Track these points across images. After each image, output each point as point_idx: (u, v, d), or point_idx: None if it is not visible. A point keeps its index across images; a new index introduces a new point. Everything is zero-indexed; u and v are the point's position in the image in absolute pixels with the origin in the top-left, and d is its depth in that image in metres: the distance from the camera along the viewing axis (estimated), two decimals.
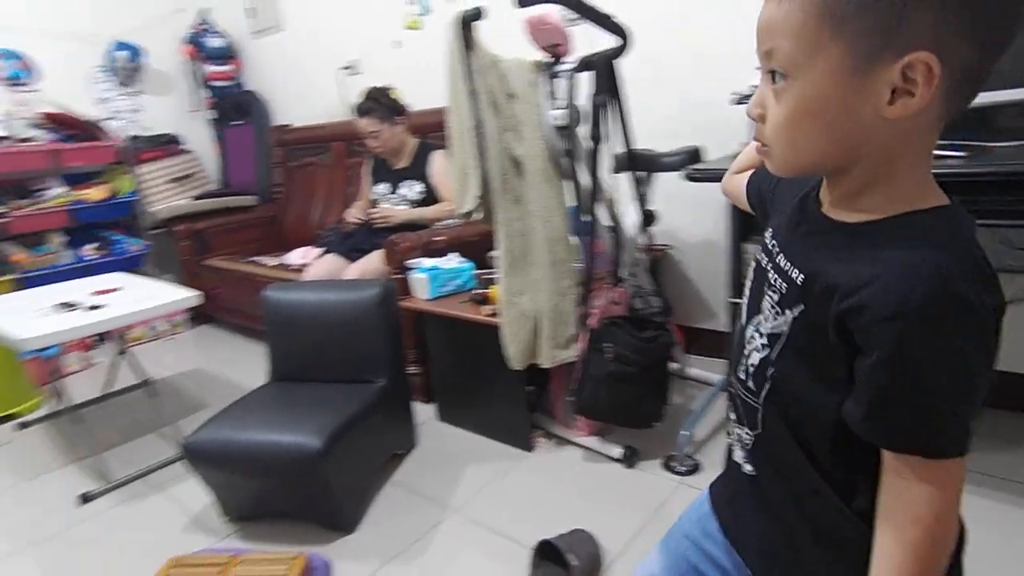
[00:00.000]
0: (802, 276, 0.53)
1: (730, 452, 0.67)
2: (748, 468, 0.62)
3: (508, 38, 1.55)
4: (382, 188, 2.43)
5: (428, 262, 1.95)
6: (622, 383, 1.53)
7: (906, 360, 0.46)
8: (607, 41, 1.49)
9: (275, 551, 1.46)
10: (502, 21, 1.55)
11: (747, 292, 0.63)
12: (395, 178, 2.40)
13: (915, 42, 0.43)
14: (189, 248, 3.20)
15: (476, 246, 2.04)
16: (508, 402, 1.83)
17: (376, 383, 1.75)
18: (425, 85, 2.61)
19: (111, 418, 2.30)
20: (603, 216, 1.64)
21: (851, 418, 0.50)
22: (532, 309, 1.62)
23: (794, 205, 0.60)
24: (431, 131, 2.47)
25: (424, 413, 2.08)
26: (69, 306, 1.94)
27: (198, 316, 3.33)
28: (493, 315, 1.71)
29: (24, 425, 2.31)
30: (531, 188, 1.57)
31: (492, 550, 1.45)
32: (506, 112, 1.53)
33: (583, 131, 1.55)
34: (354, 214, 2.49)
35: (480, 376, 1.89)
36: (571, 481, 1.68)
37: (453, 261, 1.97)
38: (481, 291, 1.84)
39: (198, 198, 3.37)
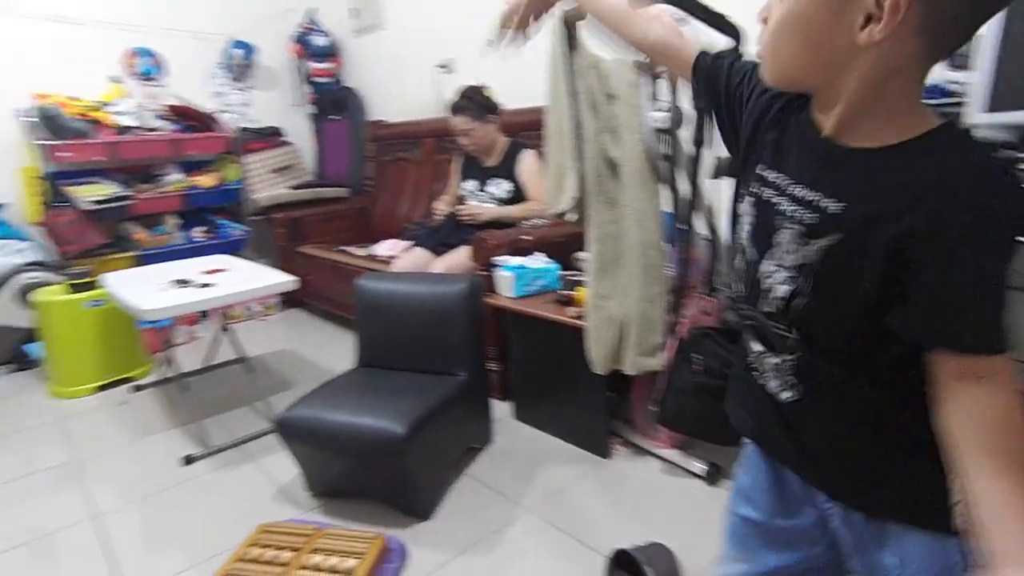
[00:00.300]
0: (838, 205, 0.55)
1: (750, 391, 0.69)
2: (787, 395, 0.64)
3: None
4: (470, 185, 2.50)
5: (514, 260, 1.99)
6: (709, 396, 1.48)
7: (969, 265, 0.49)
8: (719, 41, 1.46)
9: (354, 529, 1.55)
10: None
11: (748, 227, 0.65)
12: (484, 176, 2.46)
13: None
14: (285, 235, 3.43)
15: (563, 247, 2.06)
16: (587, 406, 1.83)
17: (458, 376, 1.80)
18: (519, 84, 2.66)
19: (211, 388, 2.51)
20: (700, 224, 1.61)
21: (910, 328, 0.53)
22: (619, 314, 1.61)
23: (785, 136, 0.62)
24: (522, 130, 2.52)
25: (500, 410, 2.12)
26: (183, 283, 2.14)
27: (289, 300, 3.56)
28: (578, 317, 1.72)
29: (138, 388, 2.57)
30: (626, 191, 1.57)
31: (565, 553, 1.47)
32: (605, 113, 1.54)
33: (685, 135, 1.53)
34: (440, 207, 2.58)
35: (560, 378, 1.90)
36: (649, 493, 1.66)
37: (539, 261, 2.00)
38: (566, 292, 1.86)
39: (295, 188, 3.60)
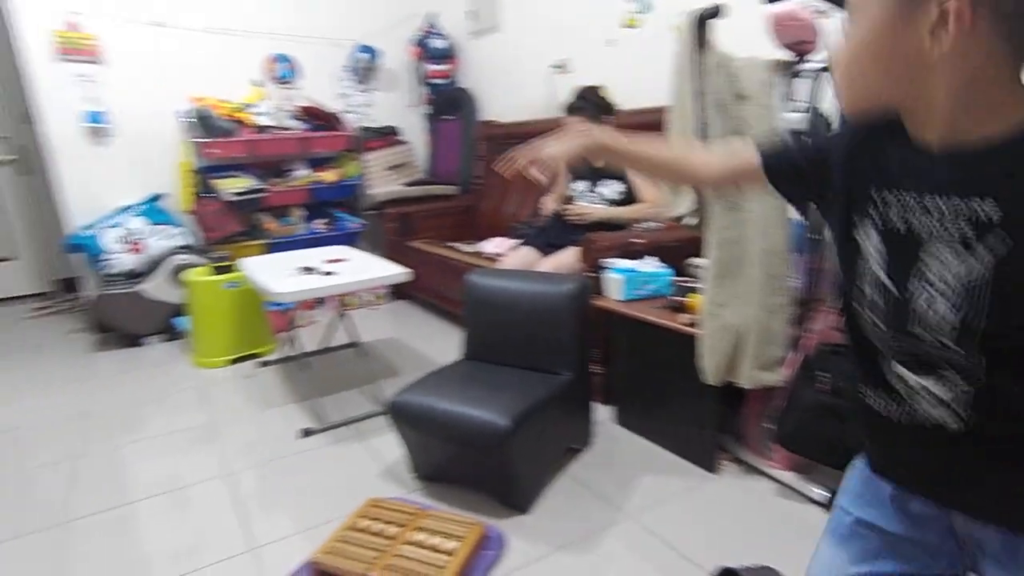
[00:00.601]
0: (997, 211, 0.52)
1: (900, 423, 0.65)
2: (955, 425, 0.60)
3: (738, 35, 1.53)
4: (580, 186, 2.52)
5: (624, 263, 1.99)
6: (834, 419, 1.42)
7: None
8: None
9: (455, 513, 1.63)
10: (738, 18, 1.52)
11: (878, 253, 0.61)
12: (595, 176, 2.47)
13: None
14: (395, 229, 3.64)
15: (676, 251, 2.03)
16: (694, 418, 1.80)
17: (561, 375, 1.84)
18: (636, 85, 2.66)
19: (327, 369, 2.72)
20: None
21: None
22: (737, 323, 1.57)
23: (888, 156, 0.60)
24: (638, 131, 2.50)
25: (601, 414, 2.13)
26: (309, 270, 2.34)
27: (397, 291, 3.78)
28: (690, 325, 1.69)
29: (264, 364, 2.84)
30: (751, 196, 1.52)
31: (664, 563, 1.45)
32: (733, 114, 1.51)
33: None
34: (549, 205, 2.62)
35: (666, 385, 1.88)
36: (760, 514, 1.60)
37: (650, 265, 1.99)
38: (678, 298, 1.83)
39: (408, 185, 3.81)
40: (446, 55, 3.89)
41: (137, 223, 3.22)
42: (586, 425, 1.98)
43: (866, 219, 0.62)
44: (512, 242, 2.87)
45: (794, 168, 0.73)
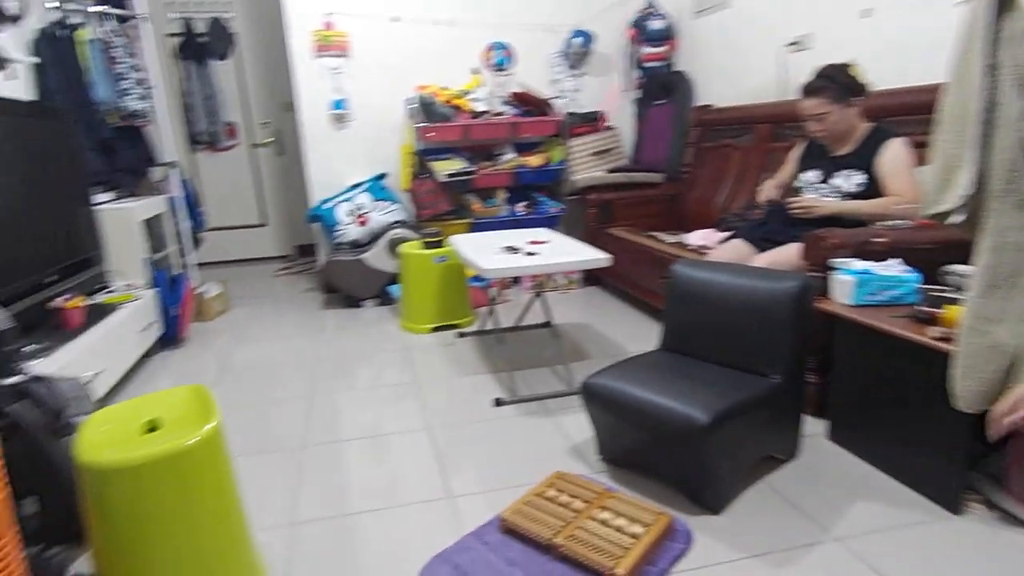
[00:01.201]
0: None
1: None
2: None
3: None
4: (812, 176, 2.34)
5: (859, 264, 1.82)
6: None
7: None
8: None
9: (641, 500, 1.65)
10: None
11: None
12: (831, 166, 2.27)
13: None
14: (595, 215, 3.72)
15: (928, 255, 1.80)
16: (936, 447, 1.59)
17: (770, 378, 1.75)
18: (896, 61, 2.39)
19: (520, 345, 2.91)
20: None
21: None
22: (1011, 344, 1.35)
23: None
24: (891, 115, 2.26)
25: (811, 426, 1.99)
26: (513, 250, 2.52)
27: (589, 277, 3.87)
28: (942, 339, 1.50)
29: (461, 335, 3.13)
30: None
31: None
32: None
33: None
34: (769, 193, 2.46)
35: (900, 405, 1.69)
36: (1013, 572, 1.37)
37: (893, 268, 1.79)
38: (928, 309, 1.63)
39: (611, 171, 3.87)
40: (664, 36, 3.85)
41: (363, 199, 3.73)
42: (792, 435, 1.86)
43: None
44: (720, 235, 2.77)
45: None
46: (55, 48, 2.95)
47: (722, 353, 1.87)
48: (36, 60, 2.80)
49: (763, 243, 2.37)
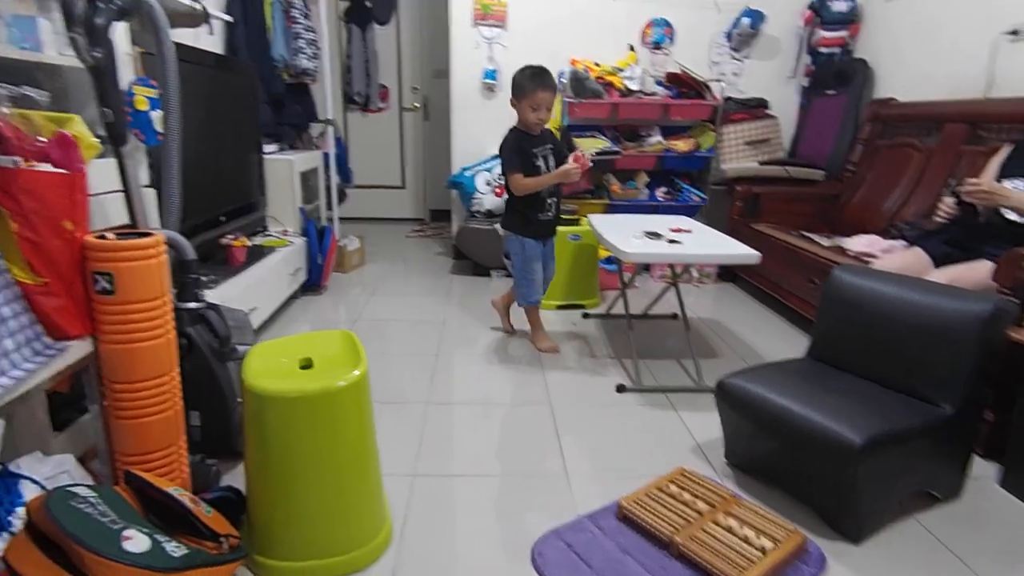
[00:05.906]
0: None
1: None
2: None
3: None
4: (1019, 185, 2.05)
5: None
6: None
7: None
8: None
9: (772, 513, 1.57)
10: None
11: None
12: None
13: None
14: (740, 209, 3.53)
15: None
16: None
17: (939, 407, 1.58)
18: None
19: (647, 334, 2.86)
20: None
21: None
22: None
23: None
24: None
25: (979, 467, 1.80)
26: (654, 235, 2.45)
27: (724, 273, 3.71)
28: None
29: (586, 315, 3.13)
30: None
31: None
32: None
33: None
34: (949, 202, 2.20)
35: None
36: None
37: None
38: None
39: (764, 163, 3.64)
40: (846, 20, 3.53)
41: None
42: (956, 474, 1.68)
43: None
44: (888, 243, 2.53)
45: None
46: (244, 6, 3.26)
47: (882, 371, 1.71)
48: (229, 19, 3.11)
49: (943, 256, 2.13)
